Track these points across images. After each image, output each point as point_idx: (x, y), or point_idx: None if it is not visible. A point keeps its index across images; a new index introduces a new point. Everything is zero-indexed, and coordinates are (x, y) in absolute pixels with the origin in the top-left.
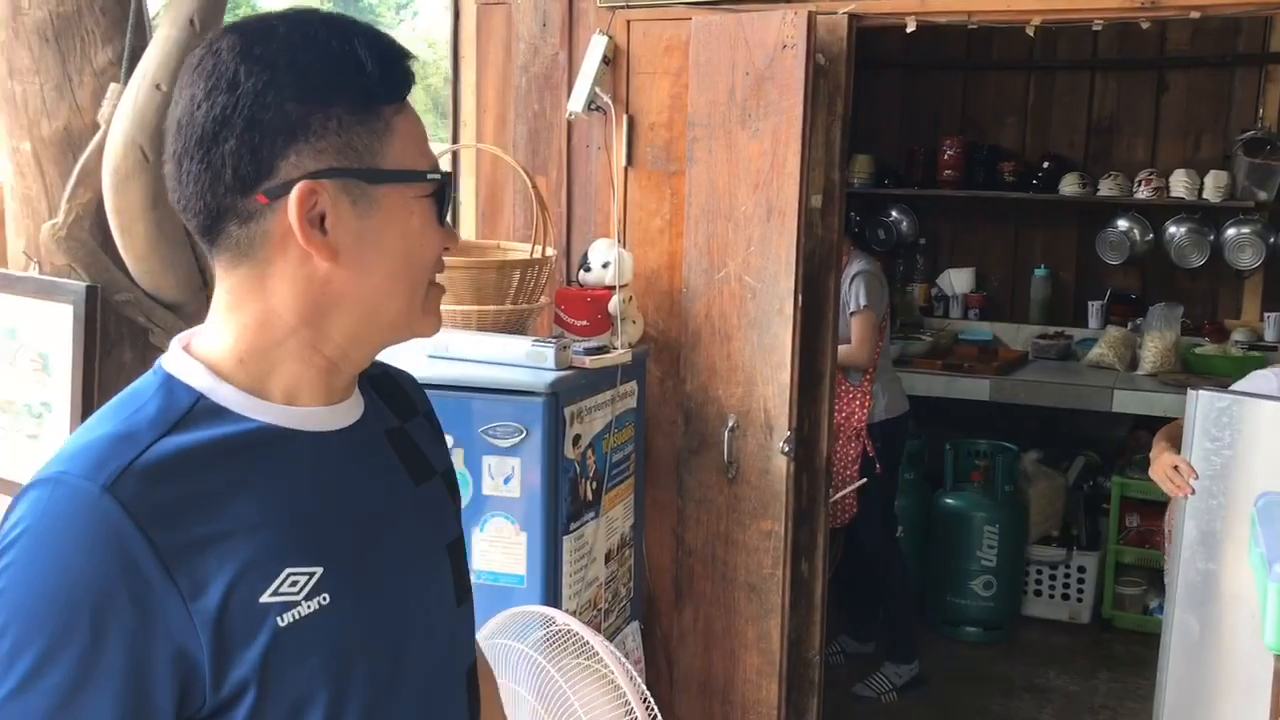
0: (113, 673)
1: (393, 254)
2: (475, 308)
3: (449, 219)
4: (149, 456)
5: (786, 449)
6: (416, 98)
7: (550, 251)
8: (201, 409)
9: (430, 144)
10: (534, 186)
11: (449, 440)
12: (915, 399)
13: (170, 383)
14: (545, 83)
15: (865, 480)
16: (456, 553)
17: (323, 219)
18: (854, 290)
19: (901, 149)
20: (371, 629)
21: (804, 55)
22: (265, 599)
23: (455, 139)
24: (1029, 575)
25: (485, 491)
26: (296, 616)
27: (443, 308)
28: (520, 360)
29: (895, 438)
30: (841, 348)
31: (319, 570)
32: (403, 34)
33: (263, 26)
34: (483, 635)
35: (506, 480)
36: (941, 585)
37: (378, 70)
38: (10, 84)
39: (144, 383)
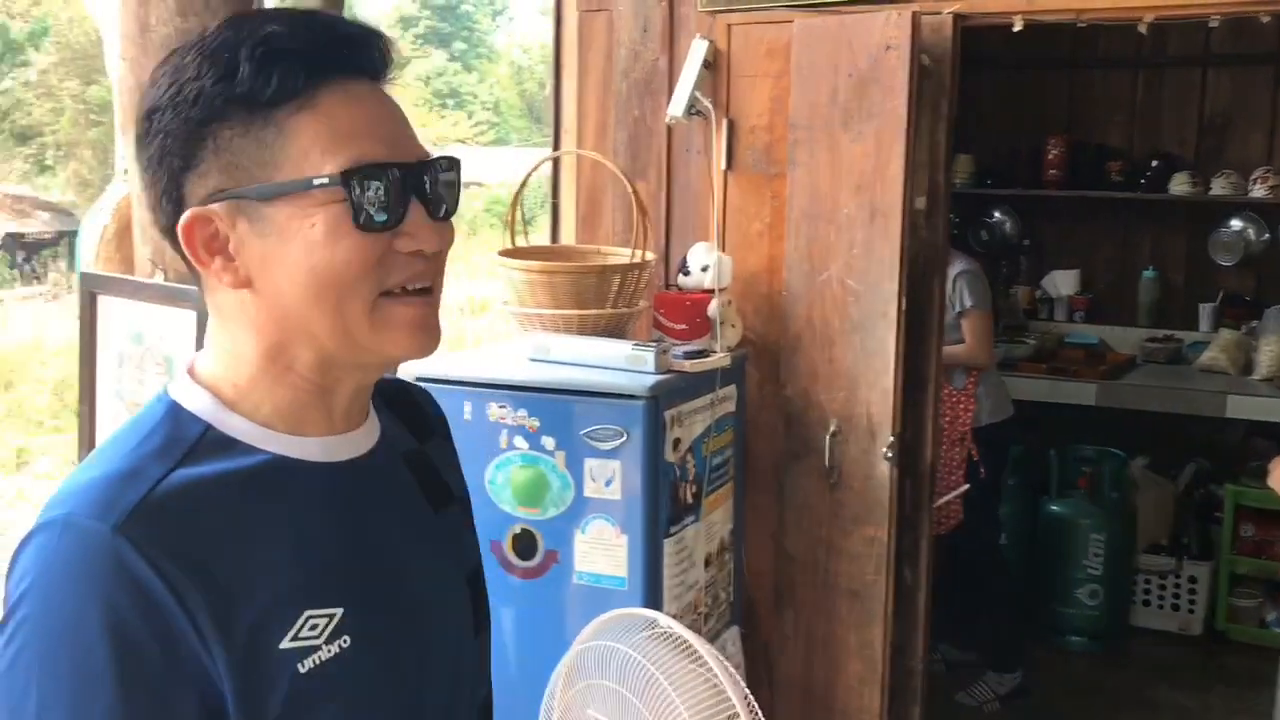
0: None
1: (299, 272)
2: (575, 312)
3: (412, 216)
4: (159, 492)
5: (890, 454)
6: (509, 103)
7: (649, 256)
8: (210, 440)
9: (396, 131)
10: (634, 191)
11: (550, 443)
12: (1018, 403)
13: (176, 412)
14: (646, 88)
15: (969, 486)
16: (476, 582)
17: (228, 245)
18: (958, 291)
19: (1004, 148)
20: (393, 668)
21: (908, 56)
22: (285, 645)
23: (556, 145)
24: (1137, 585)
25: (586, 494)
26: (318, 661)
27: (543, 311)
28: (620, 364)
29: (999, 443)
30: (958, 348)
31: (339, 611)
32: (498, 40)
33: (188, 45)
34: (584, 636)
35: (608, 483)
36: (1046, 594)
37: (253, 75)
38: (139, 98)
39: (150, 411)
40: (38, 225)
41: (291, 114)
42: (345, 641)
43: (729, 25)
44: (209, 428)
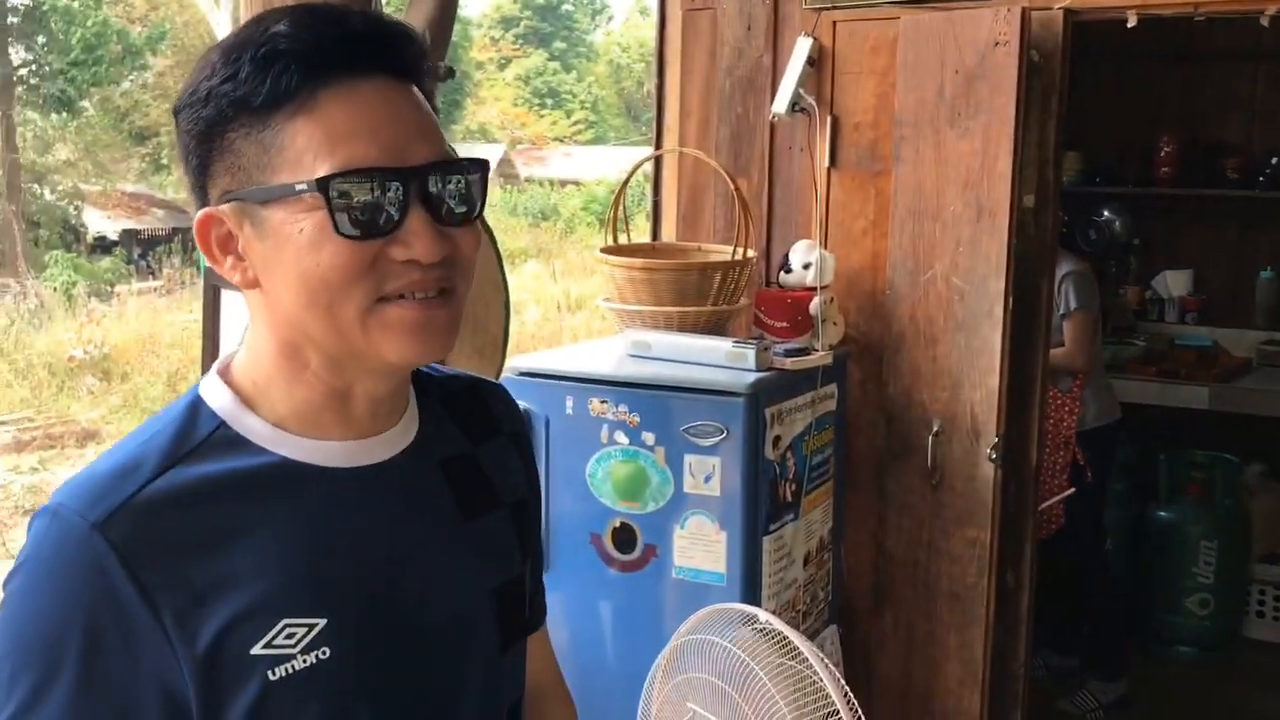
0: (101, 710)
1: (291, 275)
2: (676, 309)
3: (410, 224)
4: (147, 492)
5: (994, 455)
6: (607, 101)
7: (751, 253)
8: (219, 438)
9: (402, 134)
10: (736, 188)
11: (650, 438)
12: (1127, 407)
13: (197, 407)
14: (749, 86)
15: (1074, 489)
16: (509, 596)
17: (237, 245)
18: (1064, 291)
19: (1114, 145)
20: (380, 682)
21: (1017, 52)
22: (257, 650)
23: (658, 143)
24: (1251, 595)
25: (686, 489)
26: (290, 670)
27: (644, 308)
28: (721, 361)
29: (1106, 447)
30: (1057, 351)
31: (321, 622)
32: (597, 39)
33: (218, 43)
34: (683, 629)
35: (707, 479)
36: (1154, 602)
37: (252, 75)
38: None
39: (174, 405)
40: (153, 222)
41: (290, 117)
42: (324, 653)
43: (834, 22)
44: (222, 425)
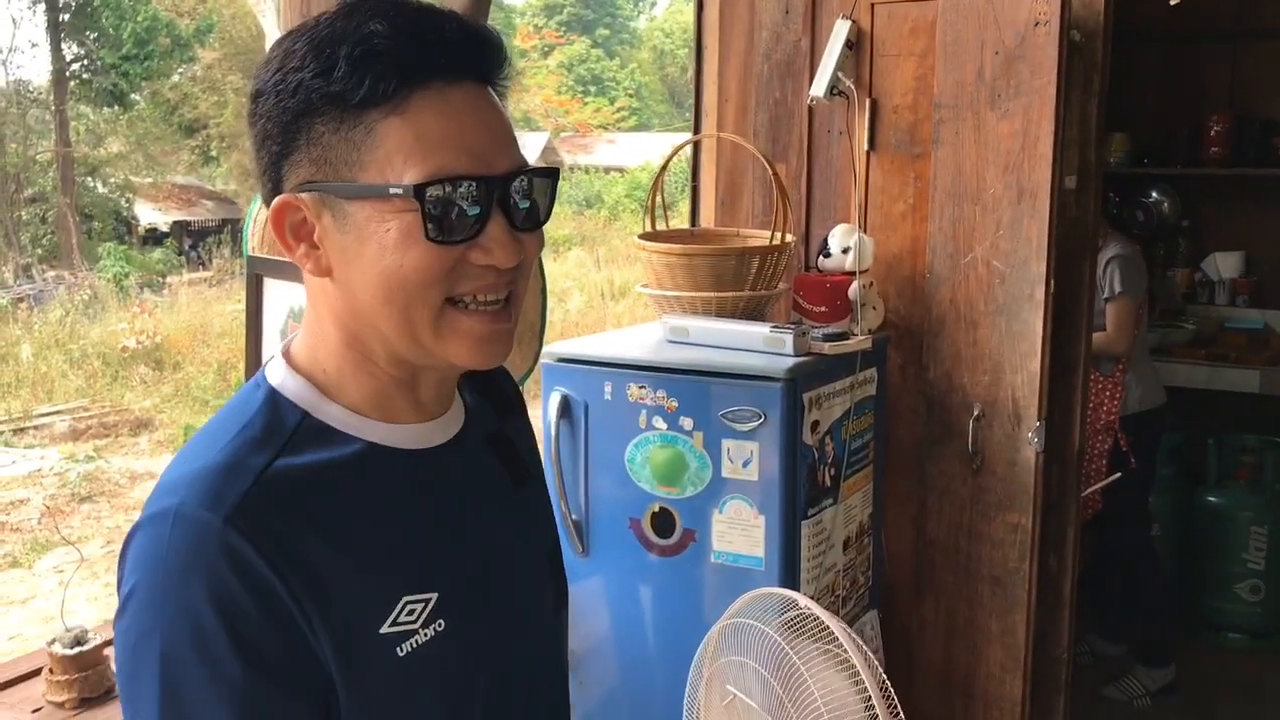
0: (268, 708)
1: (371, 271)
2: (714, 294)
3: (491, 230)
4: (263, 483)
5: (1035, 440)
6: (651, 88)
7: (789, 238)
8: (307, 428)
9: (486, 141)
10: (774, 173)
11: (688, 423)
12: (1175, 390)
13: (275, 398)
14: (787, 70)
15: (1119, 475)
16: (555, 560)
17: (313, 233)
18: (1109, 275)
19: (1162, 125)
20: (486, 647)
21: (1057, 32)
22: (385, 630)
23: (696, 128)
24: None
25: (724, 474)
26: (415, 644)
27: (682, 294)
28: (758, 346)
29: (1150, 431)
30: (1096, 335)
31: (434, 596)
32: (640, 25)
33: (301, 28)
34: (728, 613)
35: (745, 464)
36: (1202, 588)
37: (347, 75)
38: None
39: (248, 397)
40: (203, 214)
41: (382, 117)
42: (440, 625)
43: (872, 4)
44: (306, 415)
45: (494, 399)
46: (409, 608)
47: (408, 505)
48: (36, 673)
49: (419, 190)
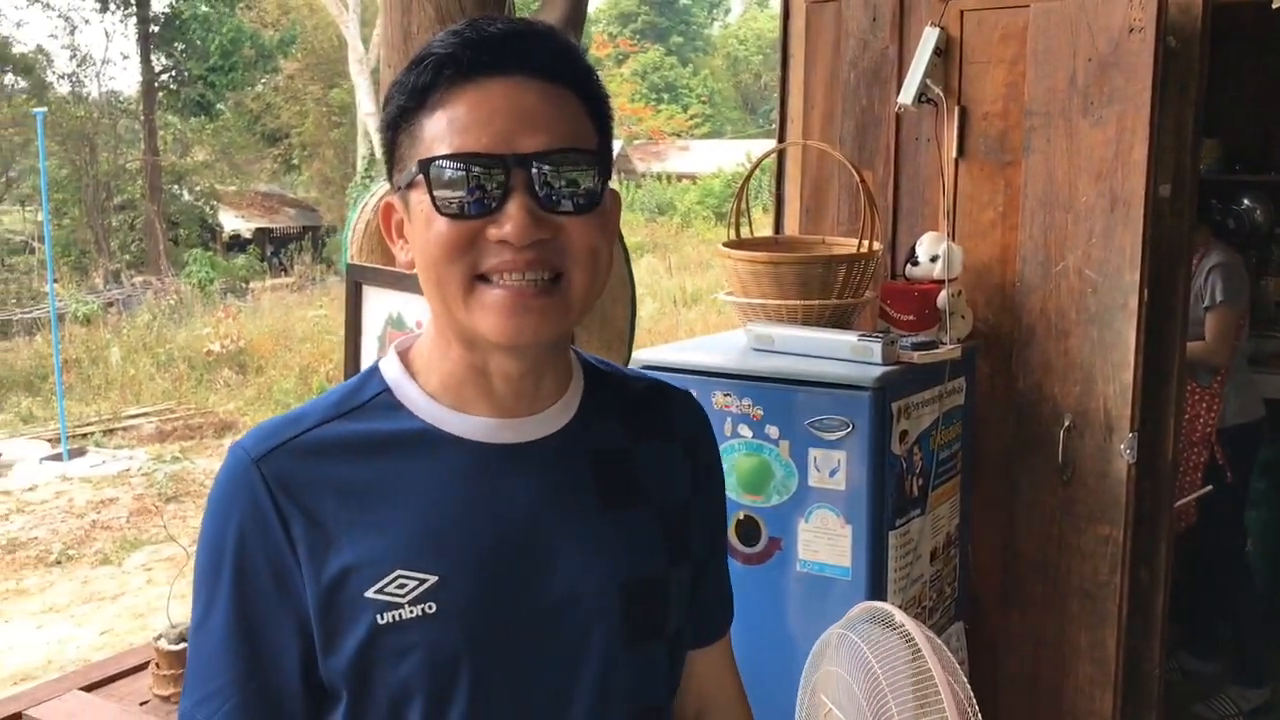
0: (251, 622)
1: (417, 250)
2: (800, 302)
3: (509, 207)
4: (305, 438)
5: (1128, 451)
6: (724, 95)
7: (876, 246)
8: (380, 402)
9: (516, 123)
10: (862, 180)
11: (774, 431)
12: (1271, 403)
13: (372, 374)
14: (874, 77)
15: (1210, 488)
16: (640, 594)
17: (404, 229)
18: (1210, 284)
19: (1255, 132)
20: (483, 647)
21: (1153, 38)
22: (369, 594)
23: (781, 136)
24: None
25: (811, 483)
26: (396, 618)
27: (767, 302)
28: (846, 355)
29: (1247, 444)
30: (1194, 345)
31: (432, 579)
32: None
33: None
34: (838, 623)
35: (832, 473)
36: None
37: (409, 79)
38: None
39: (361, 371)
40: (285, 221)
41: (430, 113)
42: (430, 607)
43: (962, 11)
44: (386, 390)
45: (645, 418)
46: (400, 580)
47: (445, 490)
48: (143, 666)
49: (422, 165)
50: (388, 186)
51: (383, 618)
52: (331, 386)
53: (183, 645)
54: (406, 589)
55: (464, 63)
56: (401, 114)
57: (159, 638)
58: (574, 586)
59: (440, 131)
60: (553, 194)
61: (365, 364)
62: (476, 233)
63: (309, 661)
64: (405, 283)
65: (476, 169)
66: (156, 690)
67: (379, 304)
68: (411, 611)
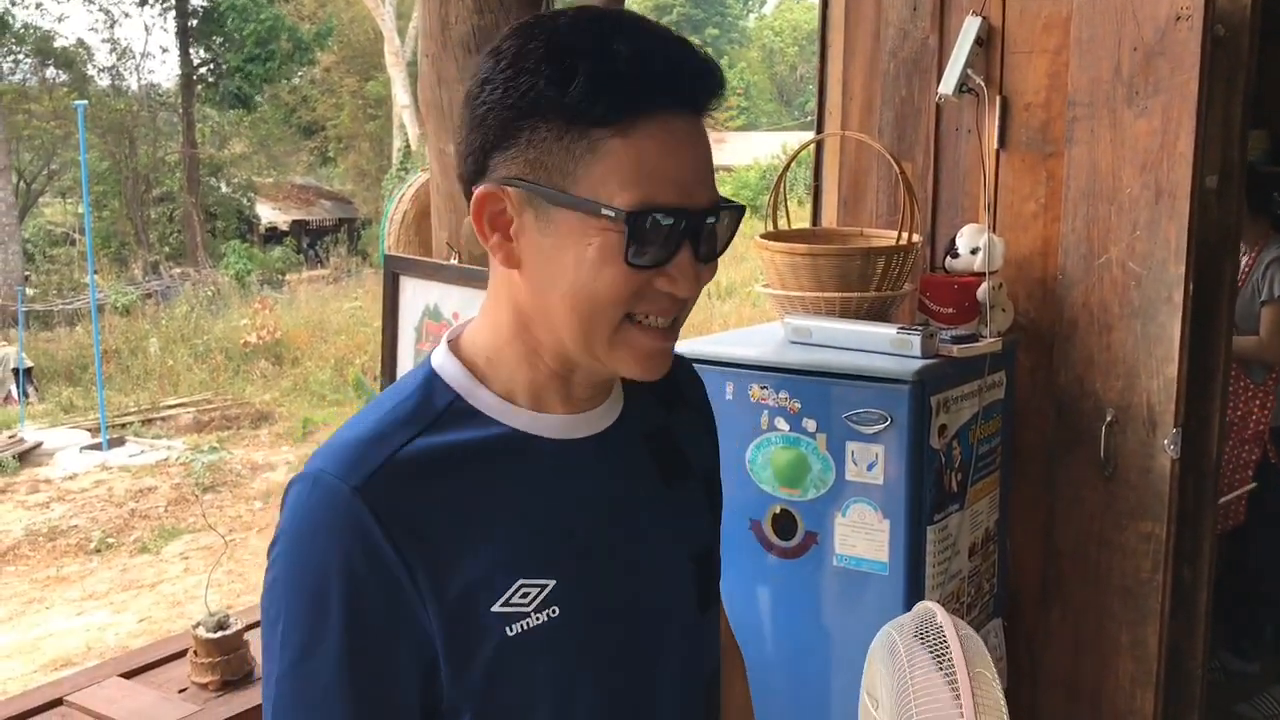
0: (366, 660)
1: (564, 279)
2: (838, 294)
3: (679, 259)
4: (398, 458)
5: (1171, 447)
6: (759, 86)
7: (916, 238)
8: (455, 410)
9: (693, 174)
10: (901, 171)
11: (811, 425)
12: None
13: (432, 380)
14: (914, 67)
15: (1255, 485)
16: (703, 561)
17: (510, 226)
18: (1269, 277)
19: None
20: (600, 640)
21: (1201, 27)
22: (496, 609)
23: (819, 127)
24: None
25: (848, 477)
26: (525, 627)
27: (805, 294)
28: (885, 347)
29: None
30: (1247, 340)
31: (551, 583)
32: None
33: (540, 25)
34: (889, 624)
35: (870, 467)
36: None
37: (585, 91)
38: (439, 92)
39: (411, 377)
40: (320, 213)
41: (607, 136)
42: (554, 611)
43: (1004, 0)
44: (457, 398)
45: (666, 392)
46: (523, 590)
47: (539, 492)
48: (182, 654)
49: (631, 216)
50: (424, 178)
51: (511, 629)
52: (377, 386)
53: (221, 634)
54: (530, 597)
55: (658, 97)
56: (552, 115)
57: (197, 625)
58: (658, 568)
59: (622, 167)
60: (707, 247)
61: (403, 354)
62: (645, 282)
63: (427, 690)
64: (442, 274)
65: (669, 225)
66: (195, 678)
67: (416, 295)
68: (538, 619)
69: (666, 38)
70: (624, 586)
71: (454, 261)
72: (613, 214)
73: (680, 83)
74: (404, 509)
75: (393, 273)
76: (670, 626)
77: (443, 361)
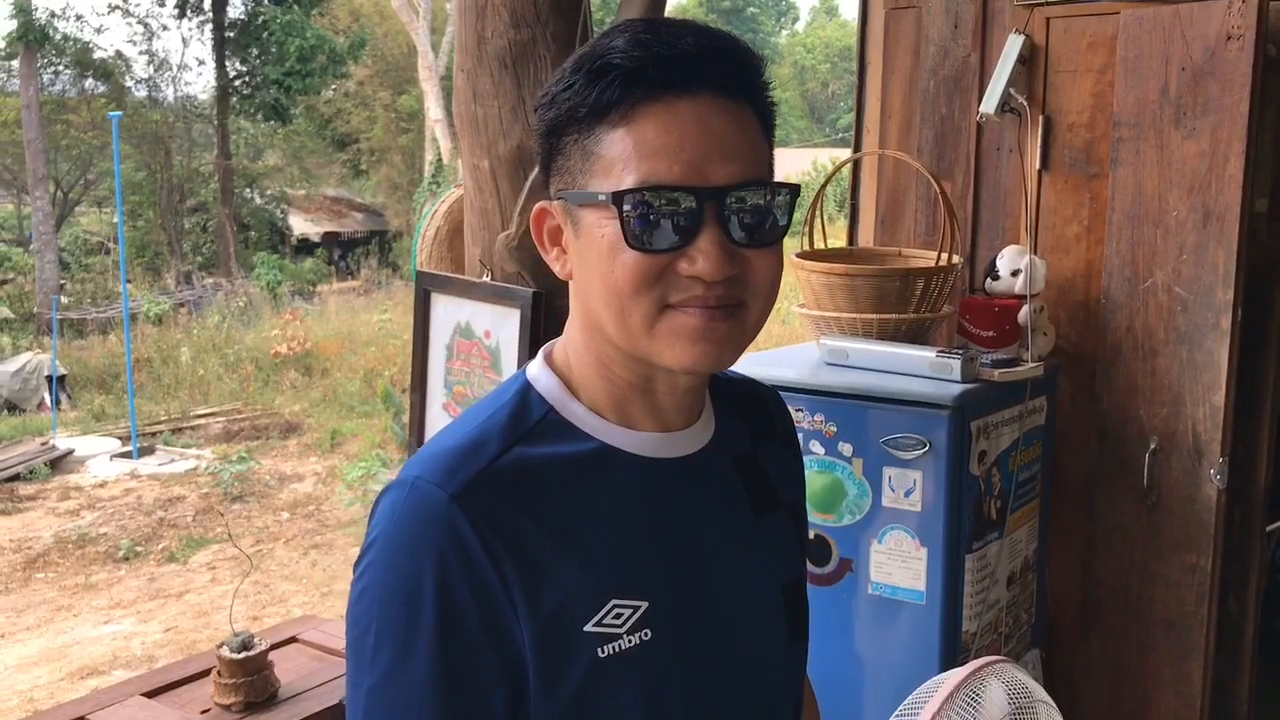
0: (460, 670)
1: (594, 275)
2: (875, 316)
3: (702, 240)
4: (495, 468)
5: (1218, 476)
6: (791, 103)
7: (956, 259)
8: (549, 422)
9: (706, 153)
10: (941, 191)
11: (848, 449)
12: None
13: (527, 391)
14: (954, 86)
15: None
16: (793, 593)
17: (562, 238)
18: None
19: None
20: (691, 667)
21: (1252, 47)
22: (589, 628)
23: (857, 145)
24: None
25: (885, 503)
26: (617, 649)
27: (841, 315)
28: (924, 371)
29: None
30: None
31: (644, 605)
32: (781, 41)
33: (584, 48)
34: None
35: (908, 493)
36: None
37: (583, 87)
38: (474, 107)
39: (506, 387)
40: (352, 225)
41: (610, 128)
42: (646, 634)
43: (1048, 18)
44: (551, 410)
45: (753, 421)
46: (616, 610)
47: (632, 510)
48: (205, 673)
49: (615, 197)
50: (457, 194)
51: (603, 650)
52: (406, 400)
53: (245, 654)
54: (623, 618)
55: (655, 82)
56: (571, 121)
57: (221, 646)
58: (749, 597)
59: (625, 153)
60: (743, 228)
61: (433, 372)
62: (666, 265)
63: (515, 707)
64: (475, 291)
65: (671, 202)
66: (218, 699)
67: (448, 312)
68: (630, 641)
69: (670, 26)
70: (716, 614)
71: (487, 279)
72: (604, 198)
73: (678, 64)
74: (501, 518)
75: (424, 290)
76: (760, 658)
77: (537, 373)
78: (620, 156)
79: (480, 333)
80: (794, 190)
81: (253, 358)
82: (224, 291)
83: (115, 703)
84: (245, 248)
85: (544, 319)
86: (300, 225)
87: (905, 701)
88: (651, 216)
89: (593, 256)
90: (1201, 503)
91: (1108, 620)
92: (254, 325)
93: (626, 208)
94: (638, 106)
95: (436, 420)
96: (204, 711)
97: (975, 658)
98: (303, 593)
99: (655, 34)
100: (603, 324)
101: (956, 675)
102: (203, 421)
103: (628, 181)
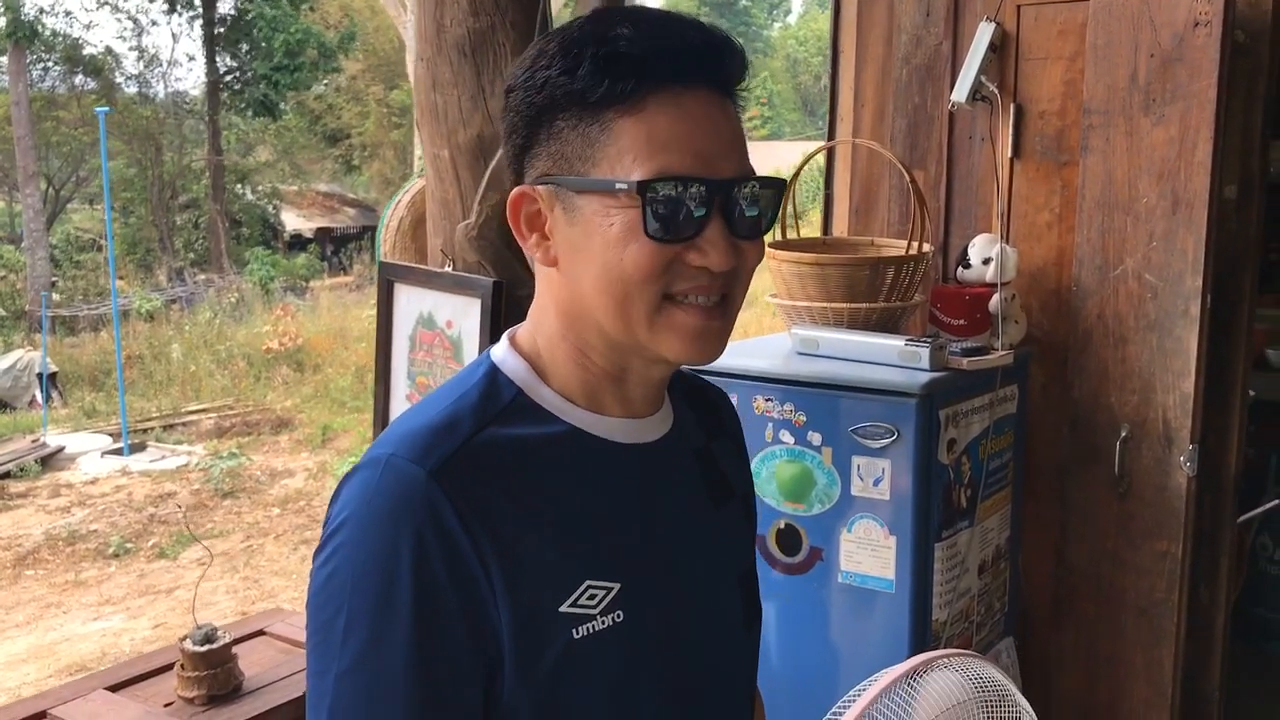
0: (436, 649)
1: (594, 263)
2: (846, 305)
3: (709, 232)
4: (471, 446)
5: (1188, 464)
6: (783, 96)
7: (927, 248)
8: (519, 404)
9: (714, 146)
10: (912, 180)
11: (817, 438)
12: None
13: (494, 374)
14: (927, 74)
15: (1276, 503)
16: (747, 582)
17: (545, 224)
18: None
19: None
20: (661, 649)
21: (1220, 33)
22: (564, 609)
23: (831, 134)
24: None
25: (854, 492)
26: (591, 630)
27: (812, 304)
28: (893, 360)
29: None
30: None
31: (617, 586)
32: (773, 34)
33: (557, 30)
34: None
35: (876, 482)
36: None
37: (591, 74)
38: (433, 96)
39: (472, 370)
40: (344, 221)
41: (617, 117)
42: (619, 615)
43: (1018, 6)
44: (520, 393)
45: (704, 416)
46: (590, 591)
47: (603, 492)
48: (169, 667)
49: (643, 186)
50: (420, 184)
51: (578, 632)
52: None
53: (208, 647)
54: (597, 599)
55: (665, 74)
56: (569, 106)
57: (185, 639)
58: (710, 583)
59: (637, 143)
60: (742, 220)
61: (396, 363)
62: (675, 256)
63: (490, 689)
64: (437, 281)
65: (692, 194)
66: (181, 692)
67: (410, 303)
68: (603, 622)
69: (673, 19)
70: (682, 597)
71: (448, 269)
72: (626, 186)
73: (688, 58)
74: (478, 497)
75: (387, 281)
76: (720, 642)
77: (504, 356)
78: (631, 146)
79: (442, 323)
80: (782, 185)
81: (244, 354)
82: (216, 288)
83: (78, 696)
84: (237, 244)
85: (504, 308)
86: (292, 221)
87: (843, 697)
88: (672, 207)
89: (594, 244)
90: (1172, 490)
91: (1080, 608)
92: (246, 321)
93: (650, 198)
94: (648, 97)
95: (400, 412)
96: (167, 705)
97: (946, 646)
98: (292, 588)
99: (663, 26)
100: (595, 313)
101: (892, 672)
102: (194, 418)
103: (640, 171)
